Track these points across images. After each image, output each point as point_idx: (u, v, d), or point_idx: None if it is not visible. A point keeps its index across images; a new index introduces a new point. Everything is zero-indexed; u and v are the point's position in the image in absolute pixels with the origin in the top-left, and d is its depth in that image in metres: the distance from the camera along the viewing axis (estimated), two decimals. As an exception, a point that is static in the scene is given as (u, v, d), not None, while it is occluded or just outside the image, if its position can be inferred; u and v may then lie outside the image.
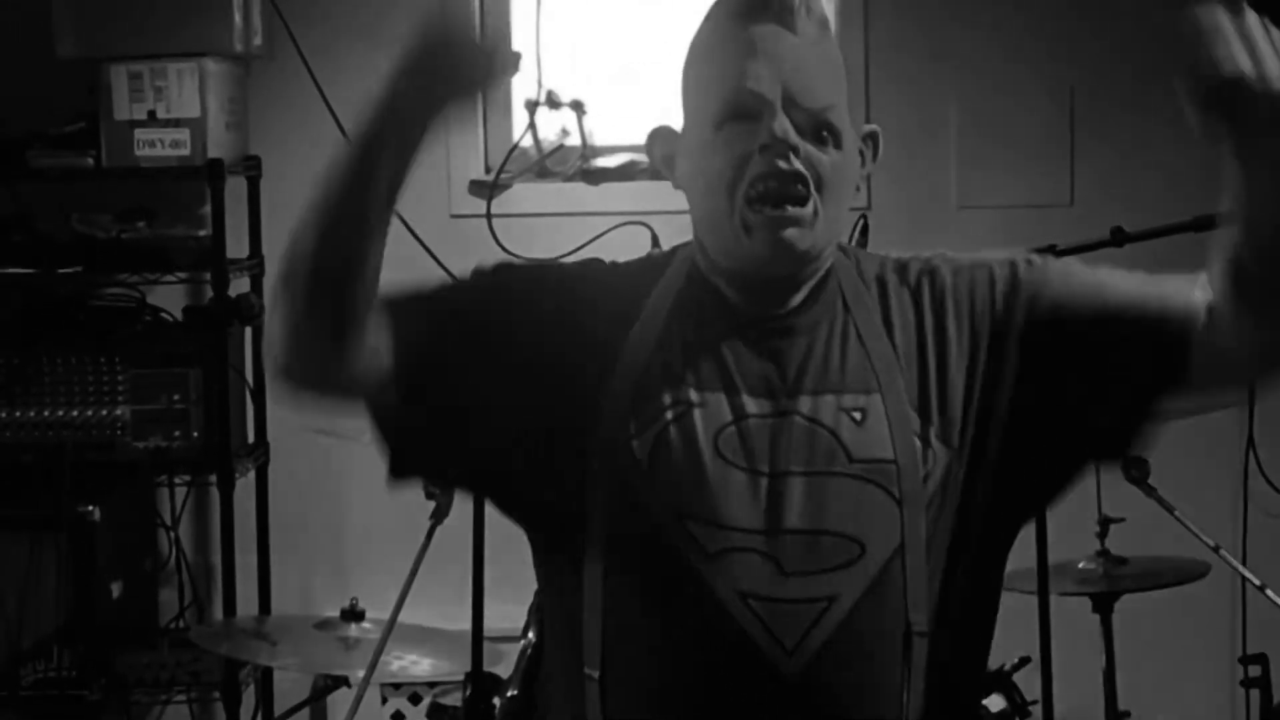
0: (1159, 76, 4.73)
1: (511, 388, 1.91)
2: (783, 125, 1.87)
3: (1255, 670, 3.61)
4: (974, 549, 1.89)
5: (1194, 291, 1.85)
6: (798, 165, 1.87)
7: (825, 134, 1.89)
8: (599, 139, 4.38)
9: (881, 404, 1.88)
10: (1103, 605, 3.54)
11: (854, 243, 3.21)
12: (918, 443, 1.87)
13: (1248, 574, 3.49)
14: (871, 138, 2.01)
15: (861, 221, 3.26)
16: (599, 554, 1.87)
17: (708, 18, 1.97)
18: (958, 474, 1.87)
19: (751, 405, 1.88)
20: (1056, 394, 1.89)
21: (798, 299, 1.92)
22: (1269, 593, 3.36)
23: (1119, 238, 3.24)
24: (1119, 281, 1.92)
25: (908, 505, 1.85)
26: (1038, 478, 1.93)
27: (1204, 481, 4.26)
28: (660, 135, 2.03)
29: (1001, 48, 4.38)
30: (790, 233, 1.87)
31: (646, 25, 4.51)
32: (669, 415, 1.87)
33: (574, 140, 4.36)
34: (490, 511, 2.90)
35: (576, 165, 4.35)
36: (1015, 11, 4.38)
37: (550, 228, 4.28)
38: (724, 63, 1.92)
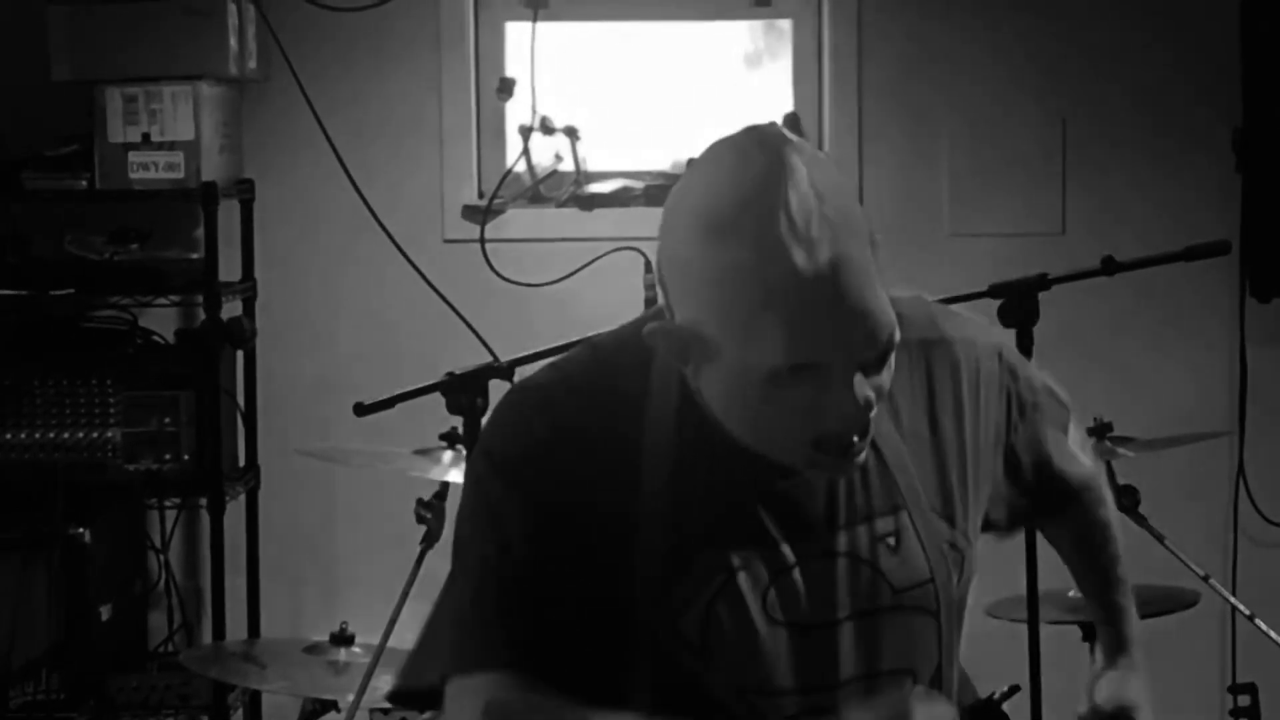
0: (1150, 109, 4.79)
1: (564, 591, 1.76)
2: (862, 393, 1.68)
3: (1245, 700, 3.61)
4: None
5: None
6: (869, 418, 1.71)
7: (886, 353, 1.71)
8: (592, 165, 4.39)
9: (910, 520, 1.80)
10: (1092, 634, 3.52)
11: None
12: (949, 551, 1.83)
13: (1237, 603, 3.50)
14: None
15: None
16: None
17: (742, 232, 1.65)
18: (974, 561, 1.87)
19: (790, 555, 1.77)
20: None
21: None
22: (1258, 622, 3.37)
23: (1109, 267, 3.25)
24: (1052, 445, 2.01)
25: (945, 618, 1.82)
26: None
27: (1194, 511, 4.26)
28: (663, 335, 1.73)
29: (995, 79, 4.39)
30: (848, 468, 1.76)
31: (641, 52, 4.52)
32: (713, 587, 1.75)
33: (567, 166, 4.37)
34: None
35: (570, 191, 4.36)
36: (1009, 43, 4.39)
37: (543, 253, 4.29)
38: (784, 310, 1.64)
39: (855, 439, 1.71)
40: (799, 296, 1.63)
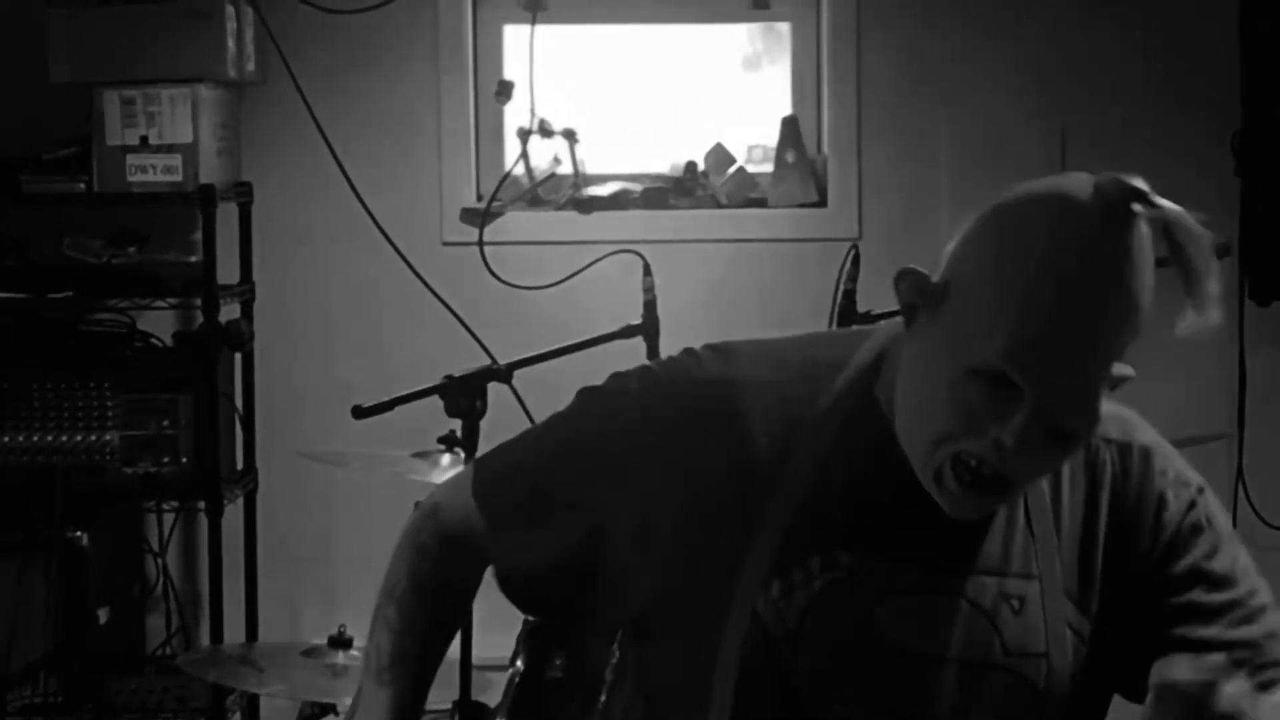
0: (1148, 112, 4.80)
1: (647, 568, 1.80)
2: (1025, 439, 1.65)
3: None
4: None
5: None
6: (1008, 472, 1.68)
7: (1065, 437, 1.69)
8: (591, 167, 4.39)
9: (1039, 591, 1.77)
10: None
11: (844, 273, 3.22)
12: (1070, 635, 1.78)
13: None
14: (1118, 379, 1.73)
15: (853, 252, 3.27)
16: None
17: (1043, 226, 1.67)
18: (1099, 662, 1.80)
19: (914, 578, 1.75)
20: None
21: None
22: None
23: (1109, 270, 3.25)
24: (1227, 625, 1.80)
25: (1049, 703, 1.77)
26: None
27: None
28: (911, 280, 1.74)
29: (993, 82, 4.39)
30: (975, 510, 1.73)
31: (639, 55, 4.52)
32: (823, 579, 1.74)
33: (566, 168, 4.37)
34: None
35: (568, 193, 4.36)
36: (1007, 47, 4.39)
37: (542, 256, 4.29)
38: (1034, 320, 1.64)
39: (983, 483, 1.68)
40: (1059, 322, 1.64)
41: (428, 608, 1.94)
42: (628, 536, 1.80)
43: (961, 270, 1.71)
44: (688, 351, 1.85)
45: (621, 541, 1.81)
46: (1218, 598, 1.79)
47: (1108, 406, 1.75)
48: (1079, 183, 1.69)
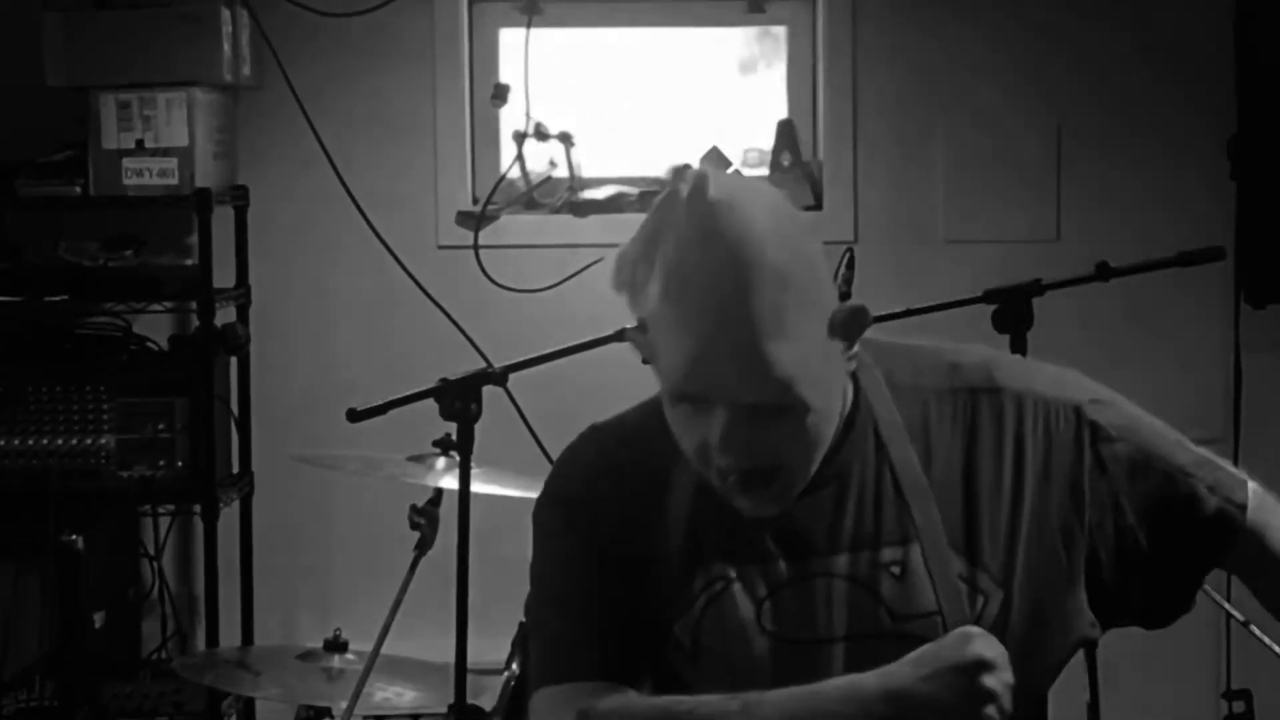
0: (1144, 115, 4.79)
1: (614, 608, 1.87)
2: (745, 435, 1.75)
3: (1239, 706, 3.60)
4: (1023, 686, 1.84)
5: (1238, 493, 1.91)
6: (755, 463, 1.78)
7: (779, 410, 1.76)
8: (587, 171, 4.39)
9: (920, 553, 1.82)
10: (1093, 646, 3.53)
11: (840, 276, 3.21)
12: (963, 586, 1.82)
13: (1232, 610, 3.49)
14: (853, 317, 1.81)
15: (848, 255, 3.26)
16: None
17: (666, 223, 1.78)
18: (1020, 609, 1.84)
19: (789, 570, 1.82)
20: (1106, 568, 1.88)
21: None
22: (1253, 628, 3.36)
23: (1104, 272, 3.25)
24: (1179, 467, 1.90)
25: None
26: (1070, 631, 1.90)
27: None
28: (632, 335, 1.85)
29: (989, 85, 4.39)
30: (767, 505, 1.81)
31: (635, 58, 4.53)
32: (706, 596, 1.82)
33: (561, 172, 4.36)
34: (474, 543, 2.90)
35: (564, 197, 4.36)
36: (1004, 50, 4.39)
37: (537, 259, 4.29)
38: (672, 333, 1.75)
39: (750, 480, 1.77)
40: (687, 330, 1.73)
41: None
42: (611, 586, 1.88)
43: (647, 310, 1.79)
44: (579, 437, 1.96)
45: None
46: (1155, 473, 1.87)
47: (972, 356, 1.88)
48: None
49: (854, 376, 1.86)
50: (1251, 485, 1.93)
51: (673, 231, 1.76)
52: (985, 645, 1.74)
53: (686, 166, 1.80)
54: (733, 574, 1.82)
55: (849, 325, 1.80)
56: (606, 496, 1.88)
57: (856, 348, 1.82)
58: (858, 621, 1.81)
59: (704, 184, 1.76)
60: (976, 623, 1.81)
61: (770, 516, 1.82)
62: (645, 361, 1.82)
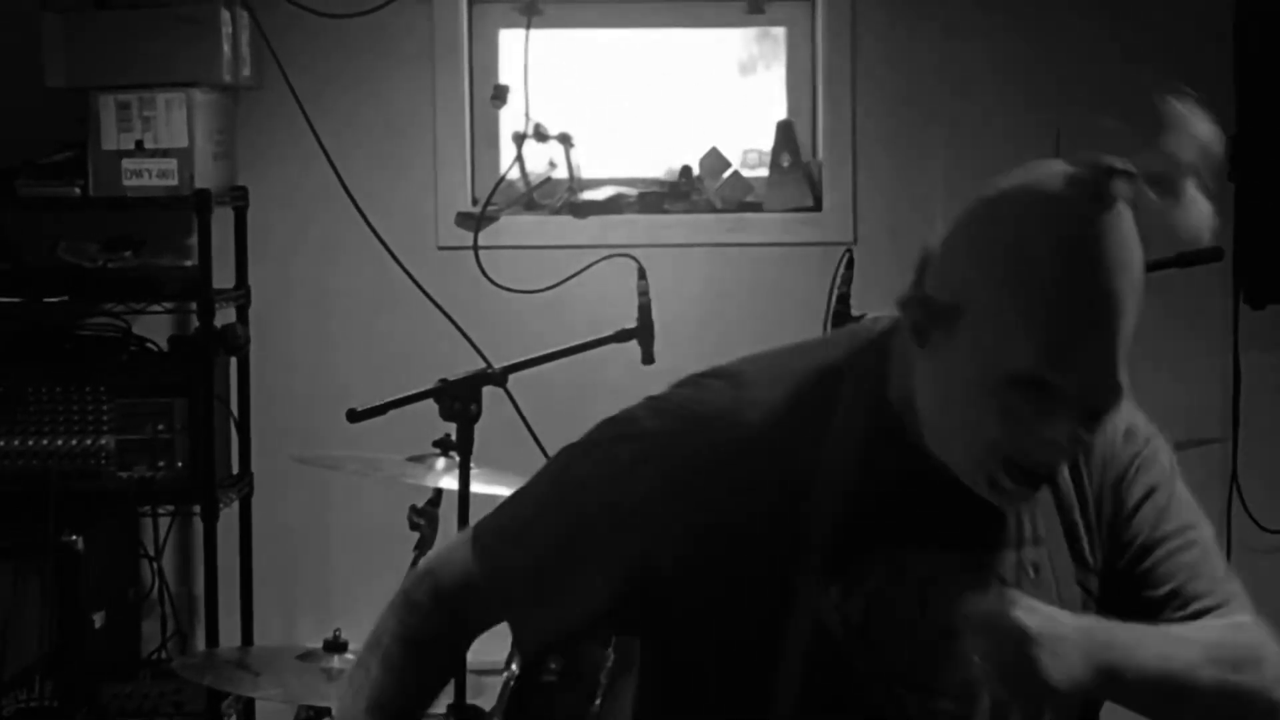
0: (1143, 121, 4.78)
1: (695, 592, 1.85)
2: (1075, 435, 1.75)
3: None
4: None
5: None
6: (1060, 463, 1.79)
7: (1098, 415, 1.77)
8: (586, 172, 4.39)
9: (1048, 556, 1.86)
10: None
11: (839, 277, 3.22)
12: (1080, 592, 1.86)
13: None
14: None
15: (848, 256, 3.27)
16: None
17: (1052, 219, 1.74)
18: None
19: (955, 562, 1.83)
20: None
21: None
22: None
23: (1103, 274, 3.25)
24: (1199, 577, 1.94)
25: None
26: None
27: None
28: (918, 303, 1.78)
29: (989, 87, 4.40)
30: (1028, 501, 1.83)
31: (635, 59, 4.53)
32: (880, 574, 1.82)
33: (561, 173, 4.37)
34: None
35: (564, 198, 4.36)
36: (1003, 51, 4.40)
37: (537, 260, 4.29)
38: (1060, 322, 1.70)
39: (1038, 479, 1.77)
40: (1080, 319, 1.70)
41: (411, 661, 1.93)
42: (669, 569, 1.84)
43: (969, 289, 1.74)
44: (693, 383, 1.88)
45: (664, 574, 1.85)
46: (1158, 532, 1.90)
47: None
48: (1051, 175, 1.79)
49: None
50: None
51: (1075, 216, 1.72)
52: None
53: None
54: (902, 559, 1.81)
55: None
56: (725, 463, 1.81)
57: None
58: None
59: (1117, 182, 1.76)
60: None
61: (923, 499, 1.81)
62: (920, 332, 1.76)
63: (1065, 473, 1.86)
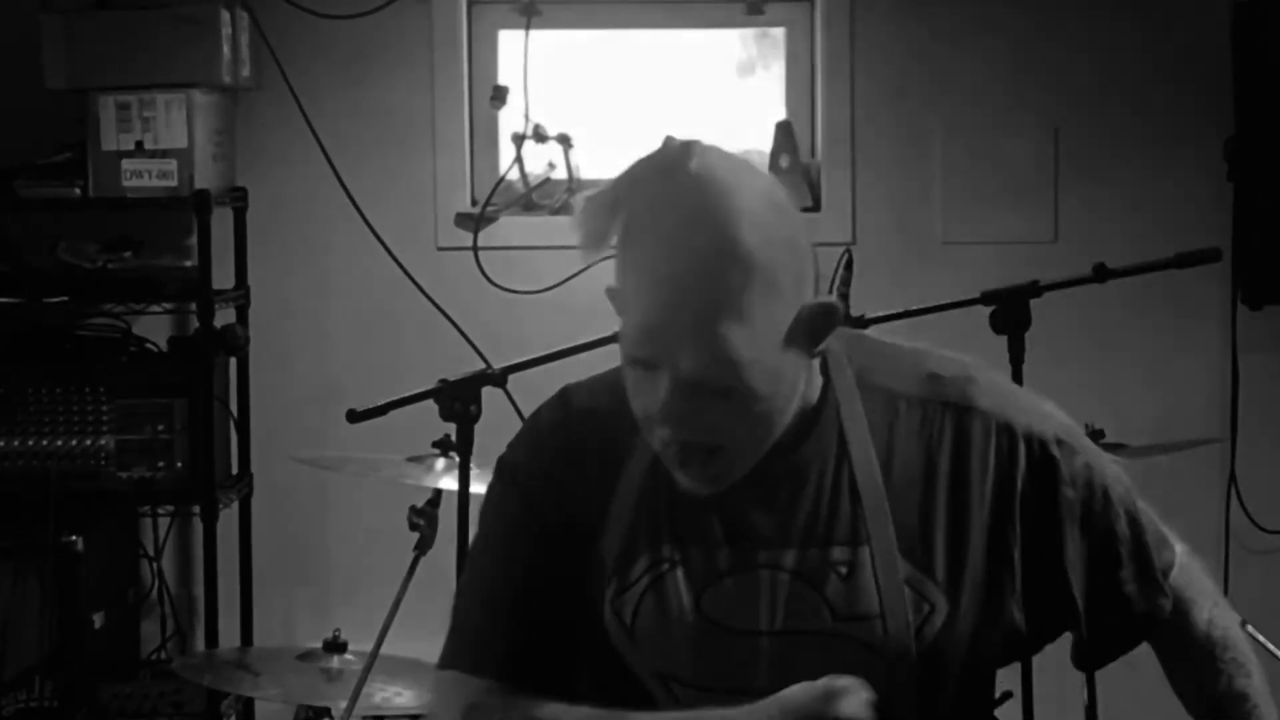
0: (1142, 117, 4.80)
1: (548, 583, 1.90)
2: (687, 406, 1.76)
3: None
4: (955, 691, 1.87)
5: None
6: (692, 438, 1.79)
7: (723, 392, 1.77)
8: (585, 172, 4.39)
9: (869, 555, 1.81)
10: (1081, 646, 3.53)
11: (838, 278, 3.22)
12: (909, 593, 1.81)
13: (1229, 610, 3.49)
14: (820, 314, 1.80)
15: (846, 256, 3.27)
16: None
17: (631, 191, 1.79)
18: (963, 623, 1.83)
19: (734, 559, 1.82)
20: (1038, 602, 1.90)
21: (784, 440, 1.83)
22: (1250, 629, 3.36)
23: (1101, 274, 3.26)
24: (1117, 537, 1.94)
25: (898, 658, 1.80)
26: (1009, 651, 1.94)
27: (1186, 517, 4.25)
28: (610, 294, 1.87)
29: (987, 86, 4.40)
30: (704, 484, 1.82)
31: (634, 60, 4.53)
32: (650, 576, 1.84)
33: (560, 173, 4.37)
34: (474, 543, 2.90)
35: (563, 198, 4.36)
36: (1001, 51, 4.40)
37: (536, 260, 4.29)
38: (634, 296, 1.79)
39: (690, 456, 1.78)
40: (647, 296, 1.76)
41: None
42: (546, 580, 1.91)
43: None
44: (544, 404, 2.02)
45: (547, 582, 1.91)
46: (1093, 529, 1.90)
47: (954, 369, 1.87)
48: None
49: (825, 372, 1.86)
50: (1179, 563, 2.00)
51: (645, 192, 1.76)
52: (852, 705, 1.71)
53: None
54: (678, 556, 1.83)
55: (815, 322, 1.79)
56: (557, 466, 1.90)
57: (825, 344, 1.81)
58: (797, 617, 1.81)
59: (687, 153, 1.77)
60: (919, 630, 1.81)
61: (707, 495, 1.82)
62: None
63: (914, 473, 1.84)
